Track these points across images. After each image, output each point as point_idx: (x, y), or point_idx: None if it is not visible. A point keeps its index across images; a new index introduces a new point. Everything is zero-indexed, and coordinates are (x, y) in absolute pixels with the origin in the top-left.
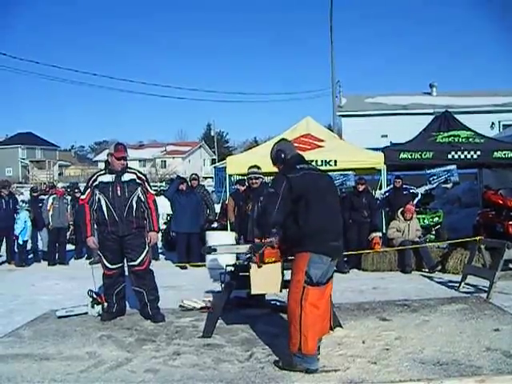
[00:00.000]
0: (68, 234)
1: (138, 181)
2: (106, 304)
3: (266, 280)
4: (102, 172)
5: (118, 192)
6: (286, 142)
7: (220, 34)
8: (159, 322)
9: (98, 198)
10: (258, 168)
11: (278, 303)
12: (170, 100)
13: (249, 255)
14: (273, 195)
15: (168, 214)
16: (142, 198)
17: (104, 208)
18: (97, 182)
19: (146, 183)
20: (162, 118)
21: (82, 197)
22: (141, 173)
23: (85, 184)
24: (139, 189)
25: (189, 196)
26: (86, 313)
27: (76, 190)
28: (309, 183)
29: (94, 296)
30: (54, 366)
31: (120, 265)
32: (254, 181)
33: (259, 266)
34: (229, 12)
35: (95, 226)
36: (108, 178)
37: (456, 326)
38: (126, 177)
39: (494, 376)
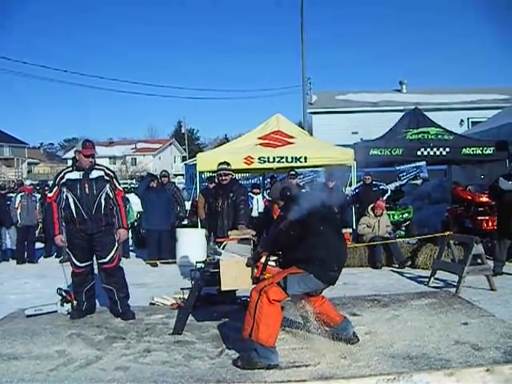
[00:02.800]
0: (37, 232)
1: (106, 177)
2: (75, 302)
3: (235, 276)
4: (69, 169)
5: (86, 189)
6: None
7: (190, 29)
8: (129, 319)
9: (66, 196)
10: (228, 164)
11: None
12: (141, 97)
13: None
14: (282, 218)
15: (138, 212)
16: (110, 194)
17: (72, 206)
18: (64, 180)
19: (115, 180)
20: (132, 115)
21: (49, 195)
22: (109, 169)
23: (52, 181)
24: (107, 186)
25: (159, 193)
26: (56, 311)
27: (46, 188)
28: (319, 213)
29: (64, 294)
30: (23, 365)
31: (89, 263)
32: (223, 177)
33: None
34: (200, 7)
35: (63, 224)
36: (76, 175)
37: (425, 320)
38: (94, 174)
39: (463, 369)
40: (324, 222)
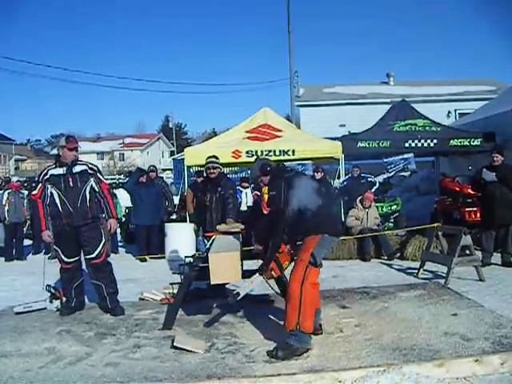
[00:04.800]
0: (25, 228)
1: (89, 171)
2: (64, 299)
3: (225, 270)
4: (52, 166)
5: (71, 183)
6: (266, 158)
7: (177, 23)
8: (119, 315)
9: (51, 192)
10: (216, 158)
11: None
12: (128, 92)
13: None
14: (275, 196)
15: (127, 207)
16: (95, 188)
17: (57, 201)
18: (47, 176)
19: (98, 173)
20: (120, 111)
21: (34, 192)
22: (92, 164)
23: (36, 179)
24: (92, 179)
25: (148, 188)
26: (45, 308)
27: (33, 185)
28: (305, 179)
29: (53, 291)
30: (13, 362)
31: (77, 258)
32: (212, 170)
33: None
34: (186, 0)
35: (50, 220)
36: (59, 170)
37: (415, 311)
38: (78, 168)
39: (453, 360)
40: (315, 187)
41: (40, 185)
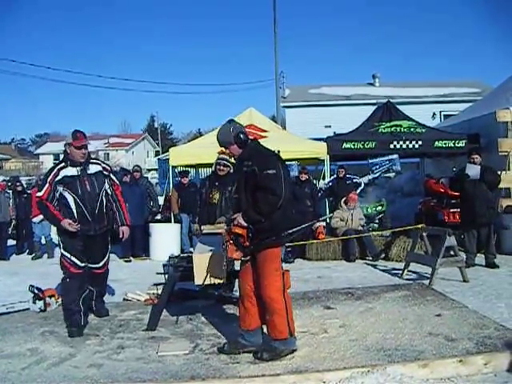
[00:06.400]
0: (10, 228)
1: (104, 172)
2: (73, 316)
3: (209, 270)
4: (62, 165)
5: (87, 186)
6: (240, 124)
7: (163, 23)
8: (103, 316)
9: (62, 195)
10: (230, 157)
11: (222, 294)
12: (113, 91)
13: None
14: (275, 176)
15: None
16: (109, 191)
17: (72, 205)
18: (60, 177)
19: (112, 174)
20: (105, 110)
21: (39, 194)
22: (105, 163)
23: (42, 178)
24: (106, 181)
25: (132, 188)
26: (28, 309)
27: (17, 184)
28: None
29: (36, 291)
30: None
31: (86, 264)
32: (221, 167)
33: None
34: (171, 1)
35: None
36: (72, 171)
37: (399, 312)
38: (92, 169)
39: (437, 360)
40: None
41: (47, 186)
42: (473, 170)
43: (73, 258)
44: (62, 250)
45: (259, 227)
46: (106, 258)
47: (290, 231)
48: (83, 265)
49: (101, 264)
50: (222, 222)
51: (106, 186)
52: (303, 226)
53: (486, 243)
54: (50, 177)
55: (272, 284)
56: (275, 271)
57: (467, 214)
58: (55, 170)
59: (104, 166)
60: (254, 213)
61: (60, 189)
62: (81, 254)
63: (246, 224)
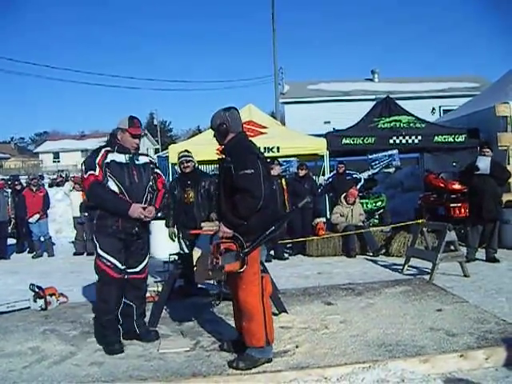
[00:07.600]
0: (10, 227)
1: (151, 165)
2: (107, 337)
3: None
4: (108, 148)
5: (135, 177)
6: (236, 115)
7: (163, 22)
8: (154, 340)
9: (107, 182)
10: (189, 152)
11: (223, 290)
12: (113, 89)
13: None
14: (252, 176)
15: None
16: (153, 185)
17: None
18: (108, 161)
19: (156, 167)
20: (104, 108)
21: (95, 173)
22: (150, 156)
23: (84, 161)
24: (152, 175)
25: None
26: (29, 307)
27: (16, 183)
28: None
29: (36, 290)
30: None
31: (125, 267)
32: (185, 164)
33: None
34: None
35: (97, 221)
36: (120, 157)
37: (400, 307)
38: (141, 159)
39: (438, 355)
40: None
41: (98, 168)
42: (483, 163)
43: (113, 260)
44: (99, 251)
45: (237, 231)
46: (145, 262)
47: (267, 232)
48: (124, 267)
49: (139, 268)
50: (214, 218)
51: (151, 179)
52: (279, 223)
53: (490, 238)
54: (99, 157)
55: (249, 289)
56: (253, 275)
57: (475, 208)
58: (103, 151)
59: (150, 159)
60: (234, 217)
61: (107, 173)
62: (120, 255)
63: (230, 230)
